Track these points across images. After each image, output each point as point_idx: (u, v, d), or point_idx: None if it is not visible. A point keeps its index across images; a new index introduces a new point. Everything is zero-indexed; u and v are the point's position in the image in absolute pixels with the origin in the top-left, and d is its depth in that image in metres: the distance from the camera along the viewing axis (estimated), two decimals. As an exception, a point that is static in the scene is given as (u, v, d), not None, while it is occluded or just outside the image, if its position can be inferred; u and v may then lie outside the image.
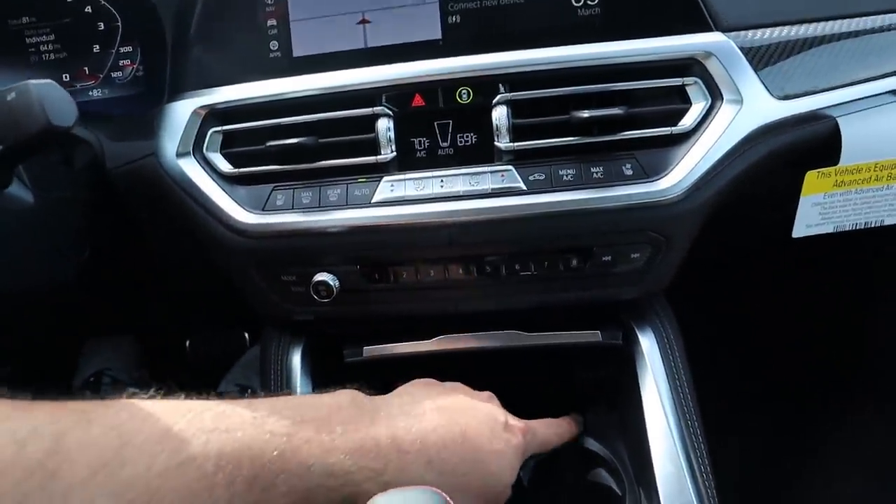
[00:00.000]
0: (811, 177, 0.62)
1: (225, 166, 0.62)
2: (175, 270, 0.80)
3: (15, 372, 0.85)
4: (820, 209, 0.64)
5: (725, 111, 0.58)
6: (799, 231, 0.64)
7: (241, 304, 0.69)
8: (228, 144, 0.63)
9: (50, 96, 0.45)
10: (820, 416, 0.94)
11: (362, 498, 0.41)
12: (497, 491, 0.50)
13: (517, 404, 0.73)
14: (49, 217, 0.59)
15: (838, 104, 0.59)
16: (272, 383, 0.66)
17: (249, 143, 0.62)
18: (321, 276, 0.61)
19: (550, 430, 0.61)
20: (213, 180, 0.62)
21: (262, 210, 0.61)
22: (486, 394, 0.57)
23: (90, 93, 0.71)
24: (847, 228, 0.65)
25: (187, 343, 1.02)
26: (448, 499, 0.36)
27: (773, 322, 0.95)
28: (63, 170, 0.63)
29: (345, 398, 0.47)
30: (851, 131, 0.59)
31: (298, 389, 0.65)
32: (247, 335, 1.02)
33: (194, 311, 0.99)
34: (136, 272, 0.80)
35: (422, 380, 0.56)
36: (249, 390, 0.94)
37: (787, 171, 0.61)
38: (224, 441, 0.37)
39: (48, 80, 0.46)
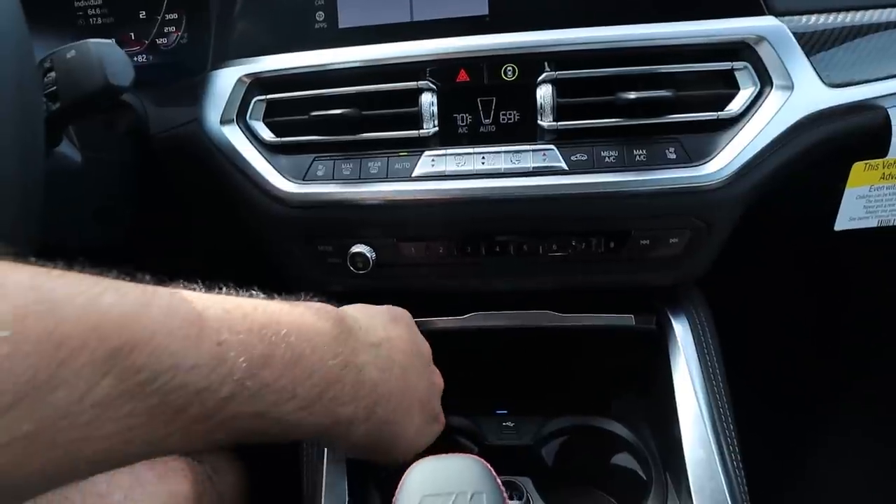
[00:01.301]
0: (857, 168, 0.61)
1: (267, 135, 0.63)
2: (210, 239, 0.81)
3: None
4: (865, 202, 0.62)
5: (774, 97, 0.57)
6: (842, 224, 0.63)
7: (266, 274, 0.69)
8: (271, 113, 0.63)
9: (109, 55, 0.46)
10: (852, 411, 0.93)
11: (292, 439, 0.40)
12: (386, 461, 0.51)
13: (545, 385, 0.73)
14: (96, 179, 0.60)
15: (890, 94, 0.58)
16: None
17: (292, 113, 0.62)
18: (358, 248, 0.61)
19: None
20: (256, 148, 0.62)
21: (303, 180, 0.61)
22: (437, 372, 0.57)
23: (135, 59, 0.72)
24: (891, 223, 0.63)
25: None
26: (489, 466, 0.37)
27: (805, 321, 0.94)
28: (109, 133, 0.63)
29: (328, 328, 0.43)
30: (903, 123, 0.58)
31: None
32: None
33: (220, 281, 1.00)
34: (172, 239, 0.82)
35: (399, 313, 0.55)
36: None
37: (832, 161, 0.60)
38: (178, 375, 0.33)
39: (107, 40, 0.47)
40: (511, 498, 0.62)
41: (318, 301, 0.47)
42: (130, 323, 0.31)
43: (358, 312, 0.51)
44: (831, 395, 0.94)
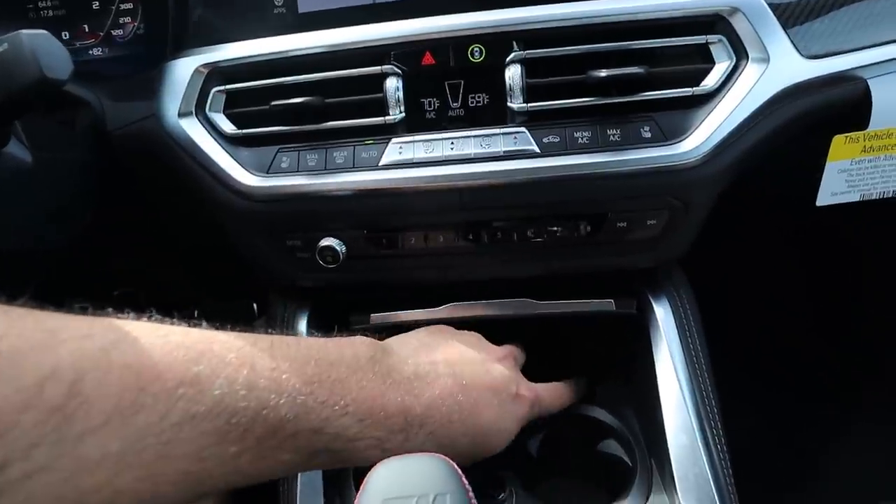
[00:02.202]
0: (838, 142, 0.59)
1: (228, 127, 0.60)
2: (180, 237, 0.79)
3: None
4: (846, 176, 0.61)
5: (750, 71, 0.55)
6: (823, 199, 0.62)
7: (248, 272, 0.67)
8: (232, 104, 0.61)
9: (43, 47, 0.43)
10: (836, 392, 0.92)
11: (358, 461, 0.43)
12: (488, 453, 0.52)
13: (528, 374, 0.72)
14: (49, 178, 0.58)
15: (869, 65, 0.57)
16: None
17: (253, 103, 0.60)
18: (327, 242, 0.59)
19: (555, 396, 0.61)
20: (216, 141, 0.60)
21: (267, 173, 0.59)
22: (504, 351, 0.58)
23: (90, 52, 0.70)
24: (874, 197, 0.62)
25: (195, 312, 1.01)
26: (455, 465, 0.35)
27: (789, 297, 0.93)
28: (63, 131, 0.61)
29: (363, 350, 0.47)
30: (883, 94, 0.56)
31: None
32: (255, 305, 1.01)
33: (201, 280, 0.98)
34: (141, 238, 0.79)
35: (439, 327, 0.57)
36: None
37: (812, 135, 0.59)
38: (240, 397, 0.37)
39: (41, 31, 0.44)
40: (494, 492, 0.61)
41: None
42: (194, 357, 0.36)
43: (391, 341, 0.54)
44: (817, 375, 0.94)
